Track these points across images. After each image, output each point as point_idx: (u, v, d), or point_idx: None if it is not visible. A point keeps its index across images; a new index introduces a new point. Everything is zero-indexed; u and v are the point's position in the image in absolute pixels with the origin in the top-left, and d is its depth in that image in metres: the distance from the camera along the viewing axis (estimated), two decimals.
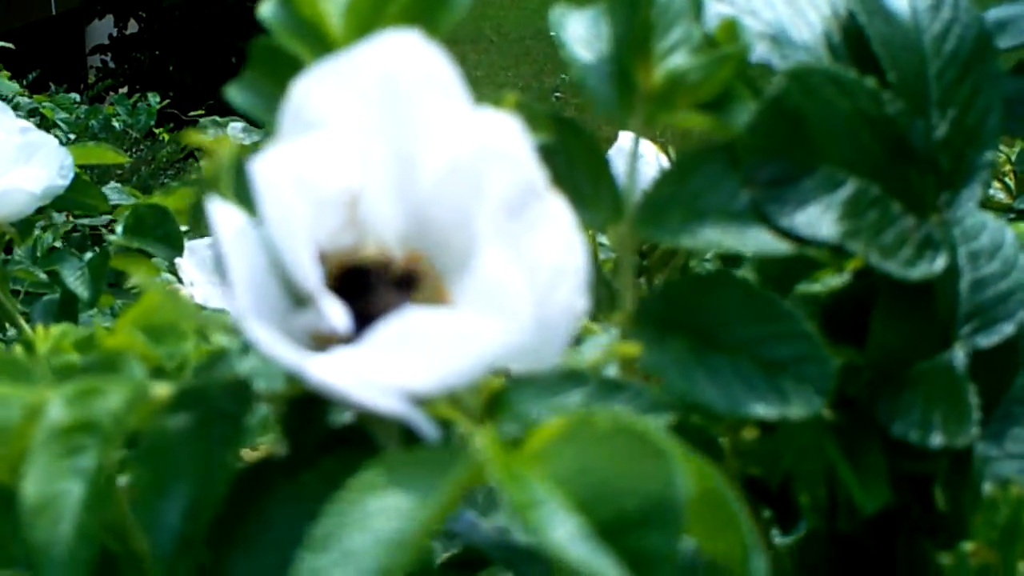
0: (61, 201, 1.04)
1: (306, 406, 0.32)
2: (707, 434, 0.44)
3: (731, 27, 0.41)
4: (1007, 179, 1.21)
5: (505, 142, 0.30)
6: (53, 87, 3.08)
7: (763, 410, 0.37)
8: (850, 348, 0.42)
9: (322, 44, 0.36)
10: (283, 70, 0.35)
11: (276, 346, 0.28)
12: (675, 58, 0.40)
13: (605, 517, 0.26)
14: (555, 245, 0.30)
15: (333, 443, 0.32)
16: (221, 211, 0.29)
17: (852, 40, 0.45)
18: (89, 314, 1.11)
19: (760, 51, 0.43)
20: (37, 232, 1.23)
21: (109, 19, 5.76)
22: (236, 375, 0.32)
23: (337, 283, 0.32)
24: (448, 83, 0.31)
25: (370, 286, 0.32)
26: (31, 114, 2.34)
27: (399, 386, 0.28)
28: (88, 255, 1.14)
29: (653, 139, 0.94)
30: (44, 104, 2.38)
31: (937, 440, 0.39)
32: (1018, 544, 0.40)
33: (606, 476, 0.27)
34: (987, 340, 0.42)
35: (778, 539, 0.45)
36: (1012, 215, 1.03)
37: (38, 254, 1.20)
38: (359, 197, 0.31)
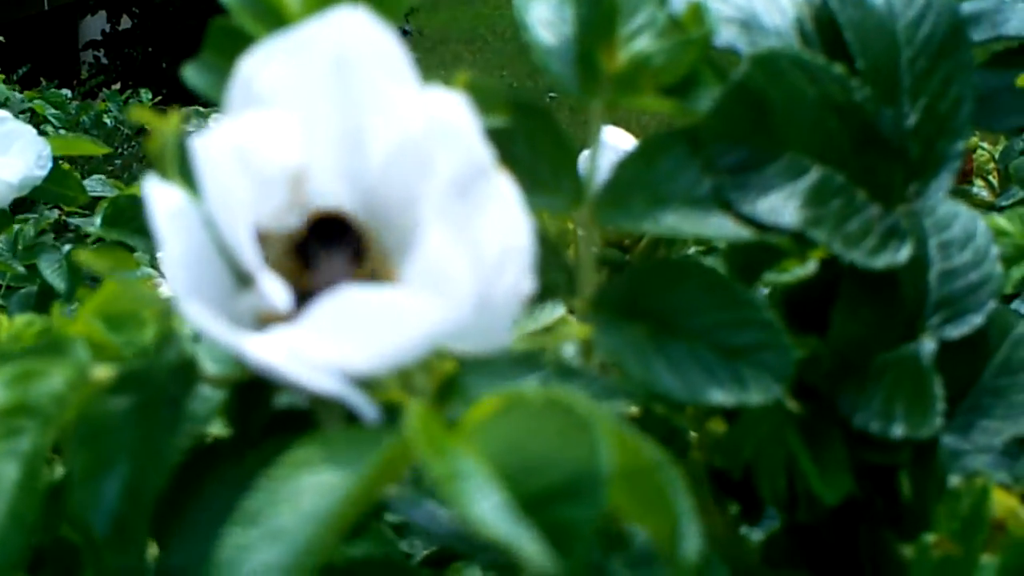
0: (39, 192, 1.03)
1: (252, 389, 0.32)
2: (670, 424, 0.43)
3: (697, 11, 0.41)
4: (990, 177, 1.21)
5: (452, 120, 0.30)
6: (44, 83, 3.07)
7: (721, 397, 0.37)
8: (814, 338, 0.41)
9: (279, 23, 0.36)
10: (240, 50, 0.35)
11: (212, 325, 0.28)
12: (639, 41, 0.39)
13: (529, 490, 0.26)
14: (501, 225, 0.30)
15: (278, 426, 0.31)
16: (155, 190, 0.28)
17: (825, 27, 0.45)
18: (70, 308, 1.11)
19: (727, 35, 0.43)
20: (19, 225, 1.23)
21: (102, 15, 5.75)
22: (182, 358, 0.32)
23: (286, 261, 0.31)
24: (397, 62, 0.31)
25: (317, 265, 0.31)
26: (22, 110, 2.33)
27: (336, 365, 0.28)
28: (68, 247, 1.13)
29: (637, 129, 0.93)
30: (35, 100, 2.37)
31: (899, 431, 0.39)
32: (979, 535, 0.40)
33: (534, 450, 0.26)
34: (956, 331, 0.42)
35: (753, 533, 0.45)
36: (994, 212, 1.03)
37: (19, 247, 1.20)
38: (304, 175, 0.31)
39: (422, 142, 0.30)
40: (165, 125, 0.31)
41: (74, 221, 1.57)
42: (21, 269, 1.13)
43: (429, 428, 0.27)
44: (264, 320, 0.31)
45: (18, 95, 2.41)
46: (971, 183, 1.13)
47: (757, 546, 0.45)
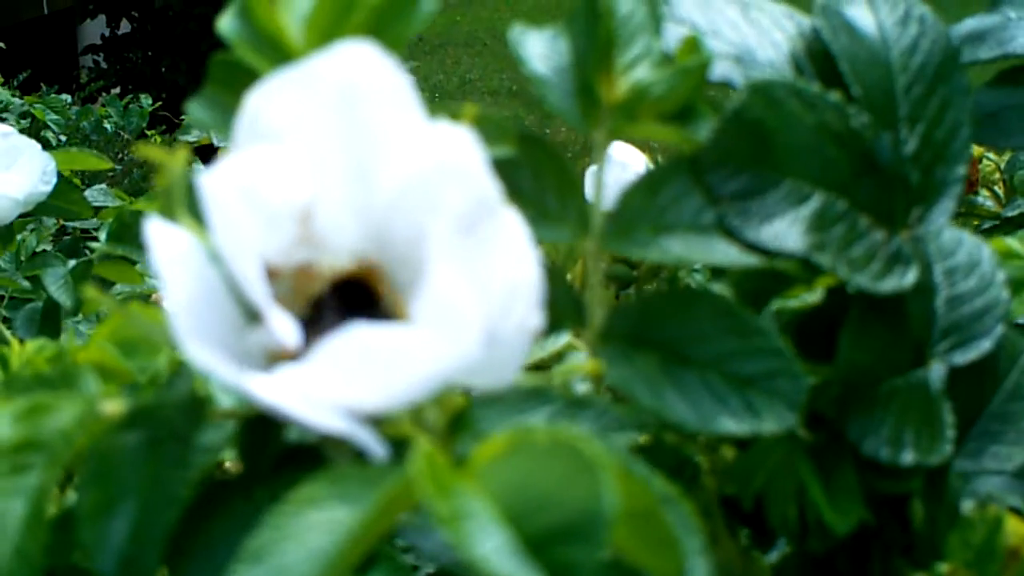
0: (43, 207, 1.03)
1: (262, 424, 0.32)
2: (682, 454, 0.43)
3: (692, 43, 0.41)
4: (996, 187, 1.21)
5: (460, 157, 0.30)
6: (44, 88, 3.07)
7: (734, 426, 0.37)
8: (823, 366, 0.41)
9: (282, 57, 0.36)
10: (242, 84, 0.35)
11: (217, 366, 0.27)
12: (638, 71, 0.40)
13: (532, 530, 0.26)
14: (509, 261, 0.29)
15: (288, 462, 0.31)
16: (156, 231, 0.28)
17: (818, 59, 0.45)
18: (74, 320, 1.10)
19: (721, 70, 0.43)
20: (21, 235, 1.22)
21: (101, 19, 5.73)
22: (191, 393, 0.32)
23: (296, 297, 0.31)
24: (404, 95, 0.31)
25: (328, 304, 0.31)
26: (22, 116, 2.33)
27: (343, 404, 0.28)
28: (72, 261, 1.13)
29: (645, 148, 0.93)
30: (35, 105, 2.37)
31: (909, 458, 0.39)
32: (993, 564, 0.40)
33: (539, 490, 0.26)
34: (964, 357, 0.42)
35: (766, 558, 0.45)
36: (999, 223, 1.03)
37: (22, 258, 1.19)
38: (312, 212, 0.31)
39: (430, 179, 0.30)
40: (173, 161, 0.30)
41: (72, 225, 1.56)
42: (25, 284, 1.12)
43: (434, 467, 0.27)
44: (274, 357, 0.30)
45: (18, 100, 2.41)
46: (976, 193, 1.13)
47: (769, 572, 0.45)
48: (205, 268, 0.29)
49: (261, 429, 0.31)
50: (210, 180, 0.29)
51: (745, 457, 0.41)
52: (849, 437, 0.40)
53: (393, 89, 0.31)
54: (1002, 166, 1.17)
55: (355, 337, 0.27)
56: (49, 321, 1.02)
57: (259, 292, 0.29)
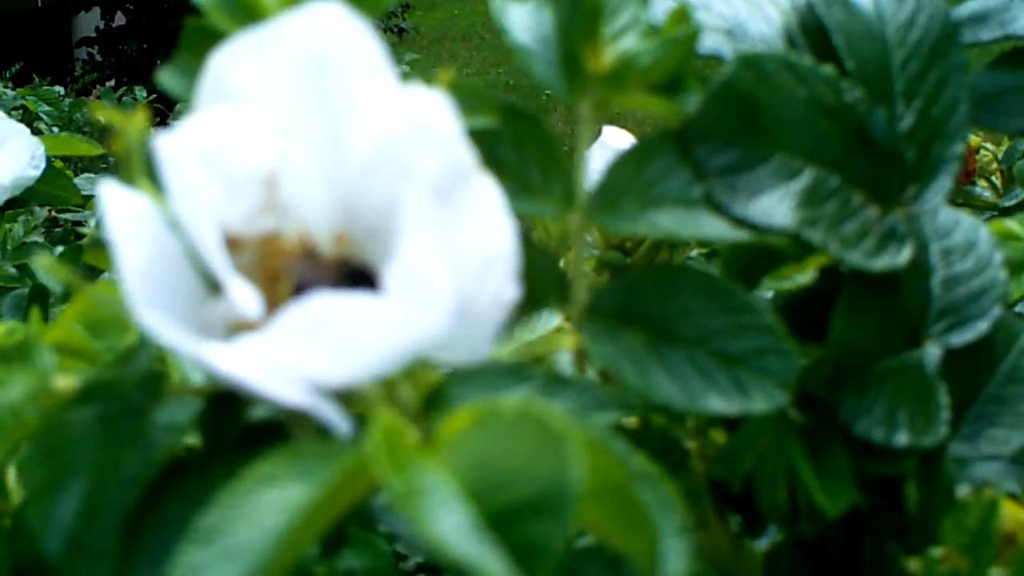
0: (32, 192, 1.02)
1: (224, 401, 0.30)
2: (669, 436, 0.42)
3: (681, 14, 0.40)
4: (994, 178, 1.20)
5: (432, 121, 0.28)
6: (37, 80, 3.05)
7: (722, 405, 0.36)
8: (816, 346, 0.40)
9: (254, 20, 0.34)
10: (214, 50, 0.34)
11: (172, 335, 0.26)
12: (625, 41, 0.38)
13: (495, 506, 0.24)
14: (484, 230, 0.28)
15: (250, 440, 0.30)
16: (110, 194, 0.27)
17: (812, 34, 0.44)
18: (63, 308, 1.09)
19: (711, 43, 0.42)
20: (8, 225, 1.21)
21: (96, 11, 5.71)
22: (150, 368, 0.30)
23: (261, 268, 0.30)
24: (375, 58, 0.29)
25: (295, 273, 0.30)
26: (14, 108, 2.32)
27: (305, 376, 0.26)
28: (61, 247, 1.11)
29: (636, 129, 0.92)
30: (27, 97, 2.36)
31: (903, 439, 0.38)
32: (988, 549, 0.38)
33: (504, 465, 0.25)
34: (960, 338, 0.41)
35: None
36: (997, 213, 1.02)
37: (9, 247, 1.18)
38: (278, 177, 0.29)
39: (402, 144, 0.29)
40: (130, 124, 0.29)
41: (64, 217, 1.55)
42: (12, 270, 1.11)
43: (392, 441, 0.26)
44: (236, 329, 0.29)
45: (11, 92, 2.40)
46: (974, 184, 1.12)
47: (760, 559, 0.43)
48: (163, 235, 0.28)
49: (223, 406, 0.30)
50: (168, 142, 0.27)
51: (733, 439, 0.40)
52: (841, 418, 0.38)
53: (363, 51, 0.29)
54: (1000, 156, 1.17)
55: (317, 305, 0.26)
56: (36, 307, 1.01)
57: (218, 259, 0.27)
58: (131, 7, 5.63)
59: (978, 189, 1.15)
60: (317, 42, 0.29)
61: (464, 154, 0.29)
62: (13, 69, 3.03)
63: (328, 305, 0.26)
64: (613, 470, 0.25)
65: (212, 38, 0.35)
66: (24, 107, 2.29)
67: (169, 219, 0.28)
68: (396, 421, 0.26)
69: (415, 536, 0.31)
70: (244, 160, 0.29)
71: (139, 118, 0.29)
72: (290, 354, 0.26)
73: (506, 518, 0.24)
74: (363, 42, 0.29)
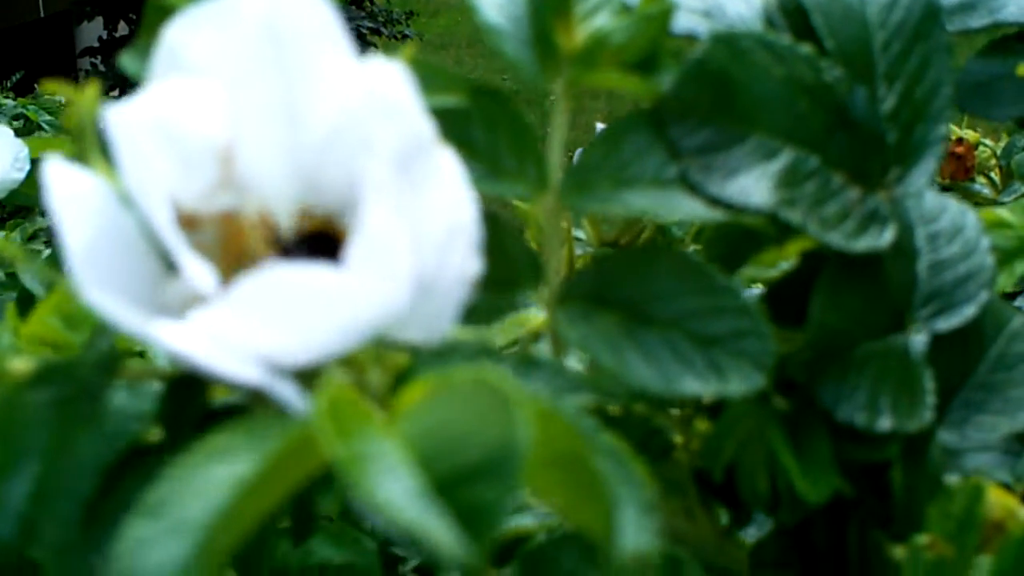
0: (16, 195, 1.01)
1: (185, 385, 0.30)
2: (651, 425, 0.41)
3: None
4: (992, 174, 1.19)
5: (391, 93, 0.28)
6: (39, 89, 3.05)
7: (699, 387, 0.35)
8: (796, 332, 0.39)
9: None
10: None
11: (120, 313, 0.25)
12: (597, 19, 0.38)
13: (442, 472, 0.24)
14: (445, 203, 0.27)
15: (211, 424, 0.29)
16: (53, 170, 0.26)
17: (792, 16, 0.43)
18: None
19: (687, 22, 0.41)
20: (4, 232, 1.21)
21: (99, 21, 5.71)
22: (108, 351, 0.30)
23: (219, 245, 0.29)
24: (332, 31, 0.29)
25: (256, 251, 0.29)
26: (15, 117, 2.31)
27: (261, 353, 0.26)
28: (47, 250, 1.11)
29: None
30: (28, 106, 2.35)
31: (886, 424, 0.37)
32: (973, 536, 0.38)
33: (454, 431, 0.24)
34: (947, 323, 0.40)
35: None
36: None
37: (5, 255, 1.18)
38: (234, 152, 0.29)
39: (361, 116, 0.28)
40: (82, 99, 0.28)
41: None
42: (2, 276, 1.11)
43: (340, 408, 0.25)
44: (195, 306, 0.28)
45: (11, 102, 2.40)
46: (973, 180, 1.11)
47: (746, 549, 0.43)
48: (113, 213, 0.27)
49: (184, 389, 0.29)
50: (118, 114, 0.26)
51: (715, 427, 0.39)
52: (822, 403, 0.38)
53: (321, 23, 0.29)
54: (998, 152, 1.16)
55: (272, 276, 0.25)
56: (23, 311, 1.00)
57: (170, 235, 0.27)
58: (134, 17, 5.63)
59: (977, 186, 1.15)
60: (274, 14, 0.29)
61: (424, 126, 0.28)
62: (14, 78, 3.02)
63: (283, 277, 0.25)
64: (568, 438, 0.25)
65: (171, 17, 0.35)
66: (25, 117, 2.28)
67: (122, 196, 0.28)
68: (346, 390, 0.26)
69: (367, 510, 0.30)
70: (199, 133, 0.28)
71: (91, 92, 0.28)
72: (244, 329, 0.25)
73: (452, 483, 0.23)
74: (321, 14, 0.29)
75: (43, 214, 1.51)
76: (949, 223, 0.42)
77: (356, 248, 0.26)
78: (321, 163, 0.29)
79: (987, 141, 1.20)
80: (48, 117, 2.34)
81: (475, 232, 0.28)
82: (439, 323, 0.28)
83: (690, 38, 0.40)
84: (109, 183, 0.28)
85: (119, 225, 0.27)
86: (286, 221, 0.30)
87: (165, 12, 0.35)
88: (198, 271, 0.27)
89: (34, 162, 0.99)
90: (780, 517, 0.38)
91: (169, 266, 0.29)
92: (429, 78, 0.32)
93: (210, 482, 0.24)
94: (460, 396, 0.25)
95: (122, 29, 5.71)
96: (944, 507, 0.38)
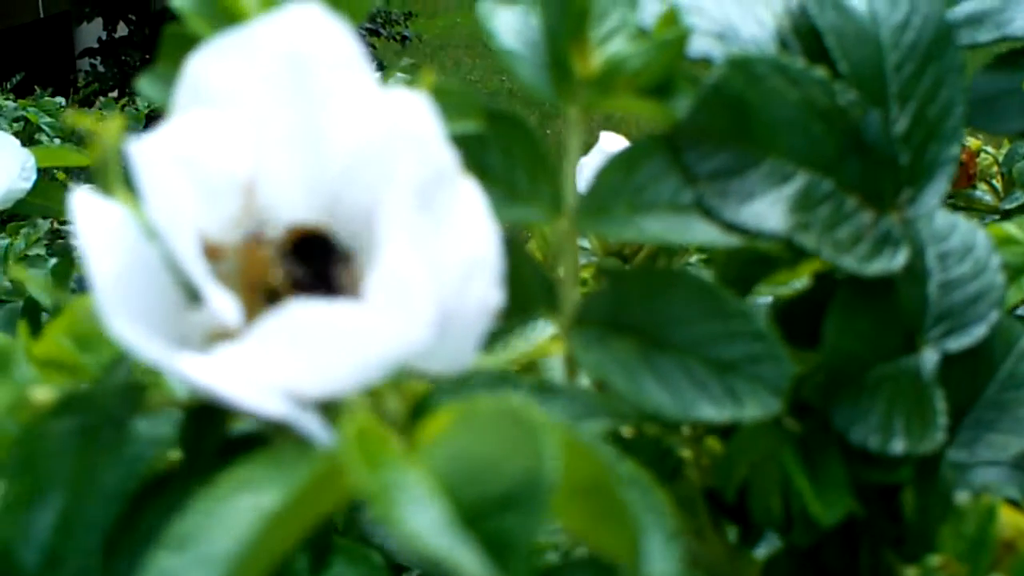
0: (24, 204, 1.01)
1: (206, 413, 0.30)
2: (663, 445, 0.41)
3: (670, 17, 0.39)
4: (994, 181, 1.19)
5: (413, 124, 0.28)
6: (39, 91, 3.05)
7: (715, 413, 0.35)
8: (810, 353, 0.39)
9: (233, 24, 0.34)
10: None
11: (144, 344, 0.25)
12: (613, 44, 0.38)
13: (469, 501, 0.24)
14: (467, 235, 0.28)
15: (232, 453, 0.29)
16: (80, 201, 0.26)
17: (806, 38, 0.43)
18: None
19: (701, 45, 0.41)
20: (10, 238, 1.21)
21: (98, 22, 5.71)
22: (130, 379, 0.30)
23: (242, 275, 0.29)
24: (355, 61, 0.29)
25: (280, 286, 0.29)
26: (15, 119, 2.31)
27: (284, 387, 0.26)
28: (53, 260, 1.11)
29: (630, 134, 0.91)
30: (28, 108, 2.35)
31: (899, 446, 0.37)
32: (986, 556, 0.38)
33: (480, 460, 0.25)
34: (958, 343, 0.40)
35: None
36: (998, 217, 1.01)
37: (11, 260, 1.18)
38: (257, 183, 0.29)
39: (382, 147, 0.28)
40: (106, 131, 0.28)
41: (67, 228, 1.55)
42: (7, 284, 1.10)
43: (367, 439, 0.25)
44: (217, 339, 0.28)
45: (11, 104, 2.39)
46: (975, 187, 1.11)
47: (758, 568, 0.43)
48: (138, 244, 0.27)
49: (204, 418, 0.29)
50: (141, 148, 0.27)
51: (727, 447, 0.39)
52: (835, 426, 0.38)
53: (342, 53, 0.29)
54: (1000, 159, 1.16)
55: (295, 314, 0.25)
56: (29, 321, 1.00)
57: (196, 267, 0.27)
58: (133, 18, 5.63)
59: (979, 192, 1.15)
60: (296, 44, 0.29)
61: (446, 157, 0.28)
62: (14, 80, 3.02)
63: (306, 313, 0.25)
64: (594, 468, 0.25)
65: (191, 44, 0.35)
66: (25, 119, 2.28)
67: (146, 228, 0.28)
68: (372, 420, 0.26)
69: (397, 540, 0.31)
70: (222, 166, 0.28)
71: (115, 124, 0.29)
72: (268, 363, 0.25)
73: (480, 513, 0.23)
74: (342, 44, 0.29)
75: (44, 217, 1.51)
76: (959, 242, 0.42)
77: (376, 282, 0.27)
78: (342, 193, 0.29)
79: (989, 148, 1.21)
80: (48, 119, 2.34)
81: (497, 265, 0.28)
82: (460, 355, 0.29)
83: (705, 62, 0.41)
84: (132, 213, 0.28)
85: (143, 256, 0.28)
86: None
87: (182, 40, 0.35)
88: (223, 304, 0.27)
89: (40, 171, 0.99)
90: (793, 539, 0.38)
91: (191, 297, 0.29)
92: (446, 103, 0.32)
93: (236, 514, 0.24)
94: (484, 424, 0.25)
95: (121, 30, 5.71)
96: (956, 527, 0.39)
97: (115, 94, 4.70)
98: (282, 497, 0.24)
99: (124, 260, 0.27)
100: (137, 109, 2.88)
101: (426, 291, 0.25)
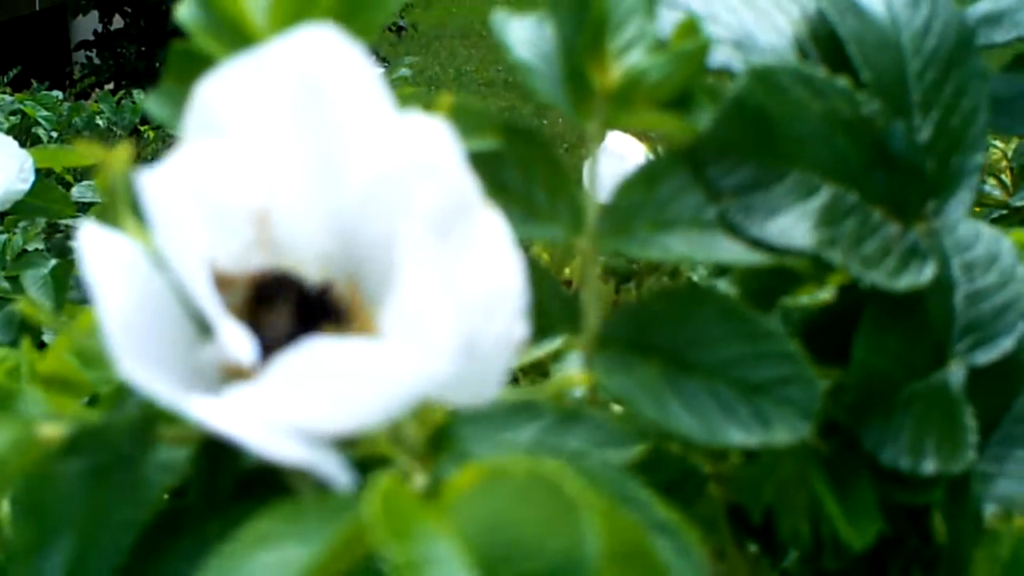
0: (22, 206, 1.00)
1: (218, 448, 0.28)
2: (686, 465, 0.40)
3: (688, 27, 0.38)
4: (1003, 176, 1.18)
5: (433, 153, 0.27)
6: (35, 84, 3.04)
7: (743, 437, 0.34)
8: (836, 369, 0.38)
9: (243, 44, 0.33)
10: (202, 75, 0.32)
11: (156, 386, 0.24)
12: (632, 56, 0.36)
13: None
14: (489, 266, 0.26)
15: (246, 490, 0.28)
16: (89, 236, 0.25)
17: (824, 44, 0.42)
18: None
19: (720, 56, 0.40)
20: (7, 235, 1.20)
21: (94, 15, 5.68)
22: (142, 413, 0.29)
23: (252, 307, 0.28)
24: (371, 85, 0.28)
25: (289, 314, 0.28)
26: (12, 113, 2.30)
27: (301, 426, 0.25)
28: (54, 261, 1.10)
29: (643, 137, 0.90)
30: (25, 102, 2.34)
31: (930, 467, 0.36)
32: None
33: (516, 534, 0.23)
34: (985, 356, 0.39)
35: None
36: (1007, 212, 1.00)
37: (8, 257, 1.16)
38: (270, 213, 0.28)
39: (401, 176, 0.27)
40: (113, 160, 0.27)
41: (64, 222, 1.54)
42: (5, 284, 1.09)
43: (392, 506, 0.24)
44: (230, 373, 0.27)
45: (8, 97, 2.38)
46: (984, 182, 1.10)
47: None
48: (148, 278, 0.26)
49: (216, 454, 0.28)
50: (152, 179, 0.25)
51: (753, 468, 0.38)
52: (866, 446, 0.37)
53: (358, 78, 0.28)
54: (1009, 154, 1.15)
55: (313, 352, 0.24)
56: (29, 323, 0.99)
57: (209, 302, 0.26)
58: (129, 10, 5.60)
59: (987, 187, 1.14)
60: (310, 69, 0.28)
61: (467, 185, 0.27)
62: (11, 74, 3.01)
63: (324, 350, 0.24)
64: (630, 533, 0.24)
65: (198, 62, 0.34)
66: (22, 112, 2.27)
67: (155, 258, 0.27)
68: (396, 482, 0.25)
69: None
70: (234, 196, 0.27)
71: (122, 153, 0.27)
72: (287, 405, 0.24)
73: None
74: (358, 68, 0.28)
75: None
76: (984, 251, 0.41)
77: (394, 315, 0.26)
78: (358, 223, 0.28)
79: (997, 143, 1.20)
80: (45, 113, 2.33)
81: (522, 297, 0.27)
82: (484, 388, 0.28)
83: (724, 72, 0.39)
84: (142, 244, 0.27)
85: (153, 289, 0.26)
86: (316, 281, 0.29)
87: (189, 57, 0.34)
88: (236, 339, 0.26)
89: (38, 172, 0.98)
90: (824, 563, 0.37)
91: (203, 328, 0.28)
92: (463, 120, 0.31)
93: (258, 571, 0.23)
94: (517, 492, 0.24)
95: (117, 22, 5.68)
96: (990, 550, 0.38)
97: (111, 87, 4.68)
98: (312, 554, 0.23)
99: (134, 297, 0.26)
100: (134, 102, 2.87)
101: (446, 322, 0.24)
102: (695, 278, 0.72)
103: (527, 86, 0.37)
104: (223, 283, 0.27)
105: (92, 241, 0.25)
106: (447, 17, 7.47)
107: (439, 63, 6.50)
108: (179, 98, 0.33)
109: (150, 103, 0.33)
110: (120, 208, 0.27)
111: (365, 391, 0.25)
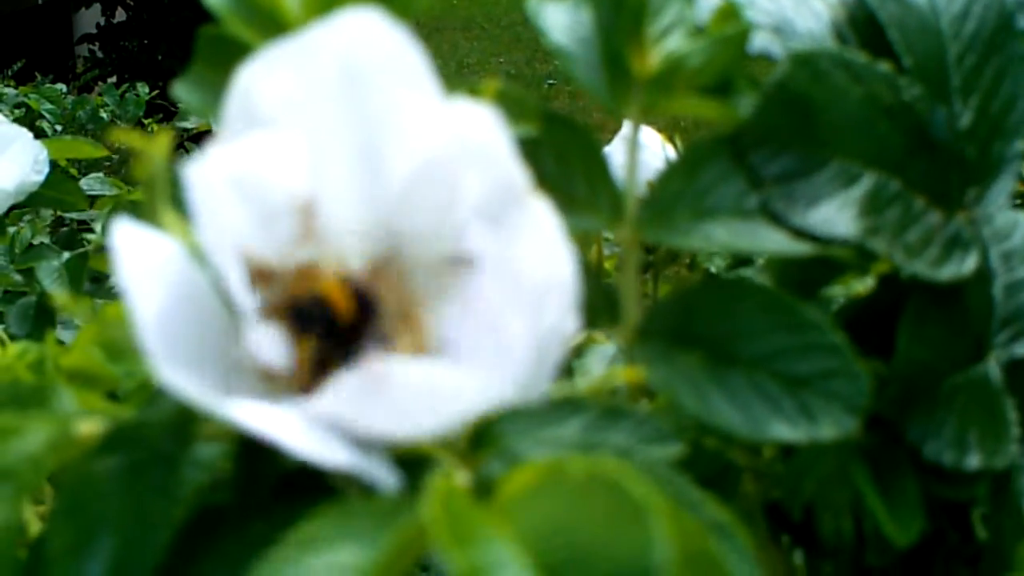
0: (37, 197, 1.00)
1: (257, 447, 0.28)
2: (724, 459, 0.39)
3: (727, 12, 0.37)
4: None
5: (482, 139, 0.26)
6: (39, 78, 3.03)
7: (788, 432, 0.33)
8: (877, 361, 0.38)
9: (277, 29, 0.32)
10: (234, 61, 0.31)
11: (194, 390, 0.23)
12: (671, 41, 0.36)
13: None
14: (542, 257, 0.26)
15: (289, 489, 0.27)
16: (123, 235, 0.24)
17: (861, 28, 0.41)
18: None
19: (759, 42, 0.39)
20: (15, 227, 1.19)
21: (96, 8, 5.67)
22: (179, 409, 0.28)
23: (293, 306, 0.27)
24: (416, 70, 0.27)
25: (332, 311, 0.27)
26: (16, 106, 2.30)
27: (353, 435, 0.24)
28: (67, 254, 1.09)
29: (657, 126, 0.89)
30: (30, 95, 2.34)
31: (974, 461, 0.35)
32: None
33: (580, 537, 0.22)
34: None
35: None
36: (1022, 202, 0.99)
37: (16, 251, 1.15)
38: (315, 204, 0.27)
39: (448, 163, 0.26)
40: (154, 148, 0.26)
41: (70, 216, 1.53)
42: (18, 278, 1.08)
43: (451, 508, 0.23)
44: (264, 370, 0.27)
45: (12, 91, 2.38)
46: None
47: None
48: (186, 275, 0.25)
49: (258, 450, 0.28)
50: (197, 171, 0.25)
51: (793, 462, 0.38)
52: (909, 440, 0.36)
53: (403, 62, 0.27)
54: None
55: (384, 371, 0.23)
56: (43, 316, 0.98)
57: (245, 298, 0.25)
58: (132, 3, 5.59)
59: None
60: (354, 53, 0.27)
61: (517, 173, 0.26)
62: (15, 67, 3.00)
63: (395, 372, 0.23)
64: (694, 535, 0.23)
65: (229, 47, 0.33)
66: (27, 105, 2.26)
67: (195, 250, 0.26)
68: (453, 484, 0.24)
69: None
70: (279, 188, 0.26)
71: (163, 141, 0.27)
72: (346, 419, 0.24)
73: None
74: (403, 53, 0.27)
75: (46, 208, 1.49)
76: (1021, 240, 0.40)
77: (473, 336, 0.25)
78: (404, 212, 0.27)
79: None
80: (49, 106, 2.32)
81: (574, 289, 0.26)
82: (536, 384, 0.27)
83: (764, 58, 0.39)
84: (180, 238, 0.26)
85: (191, 286, 0.26)
86: (361, 275, 0.28)
87: (219, 42, 0.33)
88: (263, 341, 0.25)
89: (52, 164, 0.98)
90: (867, 560, 0.37)
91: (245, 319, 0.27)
92: (501, 107, 0.30)
93: (314, 573, 0.22)
94: (578, 493, 0.23)
95: (120, 15, 5.68)
96: None
97: (114, 79, 4.67)
98: (371, 556, 0.22)
99: (169, 299, 0.25)
100: (137, 95, 2.86)
101: (528, 349, 0.23)
102: (712, 269, 0.71)
103: (566, 72, 0.36)
104: (265, 277, 0.27)
105: (126, 240, 0.24)
106: (448, 10, 7.45)
107: (441, 56, 6.48)
108: (209, 84, 0.33)
109: (179, 89, 0.33)
110: (159, 197, 0.27)
111: (436, 411, 0.24)
